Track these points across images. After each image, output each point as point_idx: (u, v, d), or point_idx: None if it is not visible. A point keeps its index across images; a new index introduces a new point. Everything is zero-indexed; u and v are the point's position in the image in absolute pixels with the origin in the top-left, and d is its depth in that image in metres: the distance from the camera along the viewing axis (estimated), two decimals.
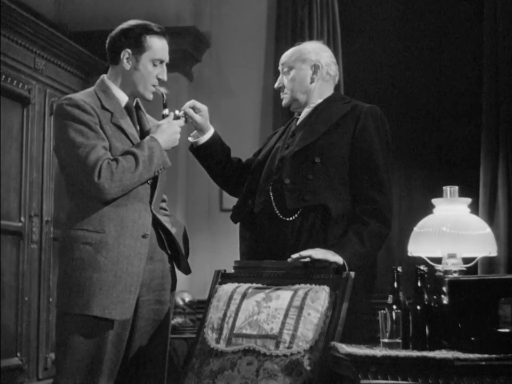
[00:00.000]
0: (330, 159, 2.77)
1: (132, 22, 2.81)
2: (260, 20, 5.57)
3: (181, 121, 2.83)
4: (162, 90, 2.82)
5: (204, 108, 2.93)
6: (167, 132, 2.77)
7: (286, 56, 2.97)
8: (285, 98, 2.95)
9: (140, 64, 2.77)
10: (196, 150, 3.02)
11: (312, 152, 2.78)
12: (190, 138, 3.02)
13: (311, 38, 5.35)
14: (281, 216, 2.78)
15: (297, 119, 2.97)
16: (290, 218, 2.76)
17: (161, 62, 2.80)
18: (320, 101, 2.93)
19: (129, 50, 2.76)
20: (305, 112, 2.93)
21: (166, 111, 2.82)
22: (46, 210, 4.68)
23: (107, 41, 2.82)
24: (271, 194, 2.82)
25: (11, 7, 4.26)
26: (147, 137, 2.75)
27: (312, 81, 2.91)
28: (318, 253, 2.60)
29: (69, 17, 5.51)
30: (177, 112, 2.84)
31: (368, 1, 5.53)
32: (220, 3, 5.62)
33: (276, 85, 2.97)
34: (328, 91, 2.96)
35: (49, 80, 4.77)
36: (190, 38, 5.42)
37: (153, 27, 2.79)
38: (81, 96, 2.76)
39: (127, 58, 2.77)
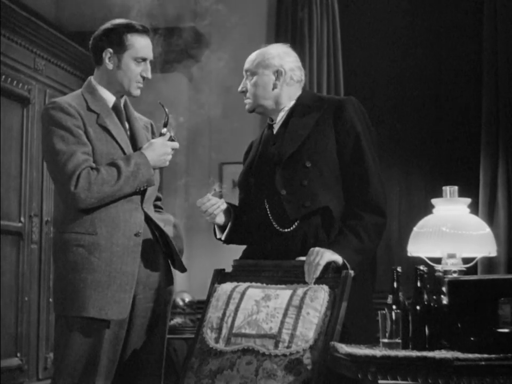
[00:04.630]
0: (320, 160, 2.72)
1: (114, 22, 2.81)
2: (260, 20, 5.57)
3: (175, 144, 2.80)
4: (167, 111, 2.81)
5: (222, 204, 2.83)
6: (158, 151, 2.76)
7: (249, 61, 2.88)
8: (248, 103, 2.87)
9: (122, 63, 2.76)
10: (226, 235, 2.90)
11: (301, 157, 2.73)
12: (218, 235, 2.92)
13: (311, 38, 5.36)
14: (278, 228, 2.73)
15: (272, 125, 2.89)
16: (289, 229, 2.72)
17: (144, 60, 2.79)
18: (292, 102, 2.86)
19: (110, 50, 2.76)
20: (281, 116, 2.86)
21: (164, 130, 2.81)
22: (46, 211, 4.68)
23: (90, 42, 2.82)
24: (266, 206, 2.77)
25: (11, 7, 4.27)
26: (137, 152, 2.74)
27: (274, 87, 2.83)
28: (324, 258, 2.56)
29: (69, 17, 5.51)
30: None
31: (368, 1, 5.53)
32: (219, 3, 5.62)
33: (239, 89, 2.89)
34: (297, 92, 2.88)
35: (49, 80, 4.77)
36: (190, 38, 5.43)
37: (134, 25, 2.78)
38: (67, 98, 2.78)
39: (109, 58, 2.77)
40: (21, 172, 4.50)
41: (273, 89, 2.83)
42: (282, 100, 2.85)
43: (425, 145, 5.39)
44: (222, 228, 2.89)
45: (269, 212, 2.76)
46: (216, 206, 2.80)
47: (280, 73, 2.83)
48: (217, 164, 5.56)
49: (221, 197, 2.87)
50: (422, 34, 5.45)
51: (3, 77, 4.30)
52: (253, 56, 2.89)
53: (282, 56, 2.85)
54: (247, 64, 2.88)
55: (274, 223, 2.75)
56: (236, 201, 2.97)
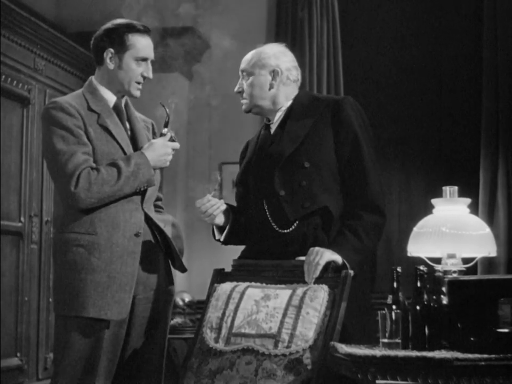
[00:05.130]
0: (319, 160, 2.72)
1: (115, 21, 2.81)
2: (260, 20, 5.57)
3: (176, 144, 2.80)
4: (168, 109, 2.81)
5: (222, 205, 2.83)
6: (158, 151, 2.75)
7: (245, 61, 2.87)
8: (244, 104, 2.87)
9: (123, 63, 2.76)
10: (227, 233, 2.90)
11: (299, 158, 2.73)
12: (217, 236, 2.93)
13: (310, 38, 5.36)
14: (277, 229, 2.73)
15: (269, 125, 2.88)
16: (288, 230, 2.72)
17: (145, 59, 2.79)
18: (289, 102, 2.86)
19: (111, 50, 2.76)
20: (278, 116, 2.86)
21: (164, 130, 2.81)
22: (46, 211, 4.68)
23: (91, 42, 2.82)
24: (265, 207, 2.77)
25: (11, 7, 4.27)
26: (137, 152, 2.74)
27: (271, 87, 2.82)
28: (323, 257, 2.57)
29: (69, 17, 5.51)
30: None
31: (368, 1, 5.53)
32: (219, 3, 5.62)
33: (236, 89, 2.88)
34: (294, 92, 2.88)
35: (49, 80, 4.77)
36: (190, 38, 5.43)
37: (135, 25, 2.78)
38: (68, 98, 2.78)
39: (110, 58, 2.77)
40: (21, 171, 4.49)
41: (269, 89, 2.83)
42: (279, 99, 2.85)
43: (425, 145, 5.39)
44: (221, 229, 2.89)
45: (267, 213, 2.76)
46: (215, 207, 2.80)
47: (277, 73, 2.83)
48: (217, 163, 5.56)
49: (220, 198, 2.87)
50: (422, 34, 5.45)
51: (3, 77, 4.30)
52: (248, 56, 2.88)
53: (278, 55, 2.85)
54: (243, 64, 2.87)
55: (273, 223, 2.75)
56: (235, 202, 2.97)
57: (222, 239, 2.90)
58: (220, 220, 2.84)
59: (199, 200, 2.82)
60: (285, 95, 2.85)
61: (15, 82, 4.41)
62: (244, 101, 2.87)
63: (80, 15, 5.50)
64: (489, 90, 5.00)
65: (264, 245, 2.76)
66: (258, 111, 2.89)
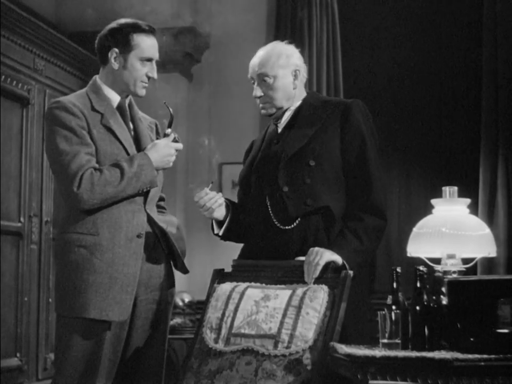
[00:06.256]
0: (325, 160, 2.72)
1: (120, 21, 2.79)
2: (260, 20, 5.58)
3: (179, 145, 2.78)
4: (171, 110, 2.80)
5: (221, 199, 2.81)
6: (162, 152, 2.74)
7: (261, 64, 2.79)
8: (268, 108, 2.82)
9: (127, 63, 2.75)
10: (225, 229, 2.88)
11: (305, 156, 2.73)
12: (216, 230, 2.90)
13: (310, 39, 5.36)
14: (279, 225, 2.73)
15: (276, 125, 2.87)
16: (289, 227, 2.72)
17: (150, 60, 2.78)
18: (299, 103, 2.85)
19: (116, 50, 2.75)
20: (287, 115, 2.84)
21: (168, 131, 2.79)
22: (46, 211, 4.69)
23: (96, 41, 2.81)
24: (268, 203, 2.77)
25: (11, 7, 4.27)
26: (140, 153, 2.73)
27: (294, 87, 2.81)
28: (323, 258, 2.57)
29: (69, 17, 5.51)
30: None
31: (367, 2, 5.53)
32: (219, 3, 5.63)
33: (257, 95, 2.81)
34: (304, 91, 2.88)
35: (48, 80, 4.77)
36: (190, 38, 5.43)
37: (140, 25, 2.77)
38: (72, 98, 2.77)
39: (115, 58, 2.76)
40: (20, 172, 4.50)
41: (293, 89, 2.82)
42: (295, 100, 2.85)
43: (425, 145, 5.39)
44: (220, 224, 2.88)
45: (270, 209, 2.76)
46: (214, 200, 2.78)
47: (298, 72, 2.82)
48: (217, 164, 5.56)
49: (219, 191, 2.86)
50: (422, 35, 5.45)
51: (3, 77, 4.30)
52: (263, 58, 2.81)
53: (294, 54, 2.84)
54: (261, 68, 2.80)
55: (274, 220, 2.74)
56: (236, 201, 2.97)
57: (220, 234, 2.89)
58: (219, 213, 2.82)
59: (197, 194, 2.80)
60: (299, 95, 2.85)
61: (14, 82, 4.42)
62: (265, 105, 2.82)
63: (80, 15, 5.50)
64: (489, 90, 5.01)
65: (264, 241, 2.76)
66: (278, 114, 2.85)
